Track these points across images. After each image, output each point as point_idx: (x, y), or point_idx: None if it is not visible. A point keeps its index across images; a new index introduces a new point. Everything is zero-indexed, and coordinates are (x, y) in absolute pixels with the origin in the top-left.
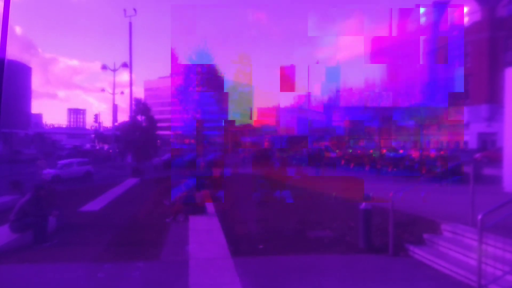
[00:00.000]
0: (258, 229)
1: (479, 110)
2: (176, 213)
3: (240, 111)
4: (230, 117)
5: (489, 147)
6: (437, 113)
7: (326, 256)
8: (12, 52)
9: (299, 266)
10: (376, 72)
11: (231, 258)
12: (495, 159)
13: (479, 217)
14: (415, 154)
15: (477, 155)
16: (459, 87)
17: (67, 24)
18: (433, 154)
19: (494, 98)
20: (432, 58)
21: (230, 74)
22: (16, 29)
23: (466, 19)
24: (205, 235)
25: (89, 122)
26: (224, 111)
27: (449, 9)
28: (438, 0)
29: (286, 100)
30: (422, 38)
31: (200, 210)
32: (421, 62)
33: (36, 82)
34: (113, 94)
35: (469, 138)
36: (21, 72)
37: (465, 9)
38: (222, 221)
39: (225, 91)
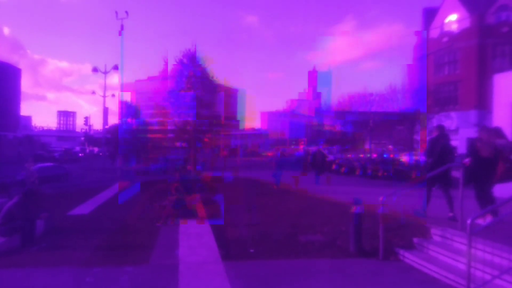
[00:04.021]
0: (249, 232)
1: (468, 115)
2: (166, 217)
3: (232, 114)
4: (222, 120)
5: None
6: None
7: (317, 260)
8: (0, 53)
9: (290, 270)
10: (367, 77)
11: (221, 262)
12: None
13: (468, 221)
14: (405, 158)
15: (466, 160)
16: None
17: (56, 25)
18: (422, 158)
19: (482, 104)
20: (422, 64)
21: (222, 77)
22: (4, 29)
23: (455, 26)
24: (195, 239)
25: (79, 124)
26: (216, 114)
27: (438, 16)
28: (428, 7)
29: (279, 104)
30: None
31: (190, 213)
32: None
33: (25, 83)
34: (104, 96)
35: (459, 143)
36: (10, 74)
37: (455, 16)
38: (212, 224)
39: (216, 94)
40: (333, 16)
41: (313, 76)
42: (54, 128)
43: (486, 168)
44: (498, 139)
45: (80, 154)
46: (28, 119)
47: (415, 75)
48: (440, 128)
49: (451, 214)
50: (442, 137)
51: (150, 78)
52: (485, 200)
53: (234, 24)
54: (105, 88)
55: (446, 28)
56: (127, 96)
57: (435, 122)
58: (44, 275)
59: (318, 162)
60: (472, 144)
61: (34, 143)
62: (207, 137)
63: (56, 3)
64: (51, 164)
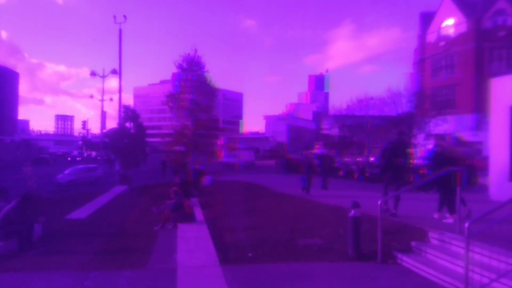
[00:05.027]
0: (247, 236)
1: (466, 119)
2: (164, 221)
3: (231, 118)
4: (221, 125)
5: (475, 155)
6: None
7: (315, 264)
8: None
9: (288, 274)
10: (365, 81)
11: (219, 266)
12: (481, 167)
13: (466, 225)
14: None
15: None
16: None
17: (54, 28)
18: (420, 162)
19: (480, 107)
20: (420, 68)
21: (221, 81)
22: (1, 33)
23: (452, 30)
24: (193, 243)
25: (77, 128)
26: (214, 118)
27: (435, 20)
28: (425, 11)
29: (277, 108)
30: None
31: (188, 217)
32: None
33: (23, 87)
34: (102, 100)
35: None
36: (8, 78)
37: (452, 21)
38: (211, 228)
39: (215, 98)
40: (331, 20)
41: (312, 79)
42: (52, 132)
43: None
44: (462, 147)
45: (68, 159)
46: (25, 123)
47: (413, 79)
48: (400, 134)
49: (393, 211)
50: (401, 141)
51: (150, 85)
52: (452, 202)
53: (232, 28)
54: (103, 92)
55: (443, 32)
56: (127, 100)
57: (432, 126)
58: (42, 279)
59: (327, 166)
60: (434, 152)
61: (32, 147)
62: (205, 142)
63: (54, 7)
64: None
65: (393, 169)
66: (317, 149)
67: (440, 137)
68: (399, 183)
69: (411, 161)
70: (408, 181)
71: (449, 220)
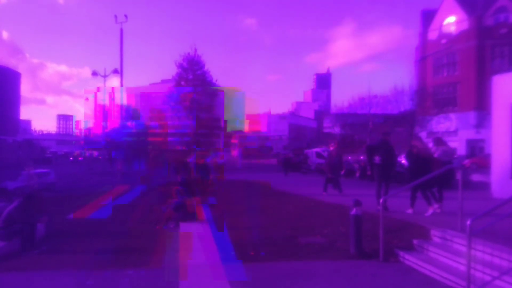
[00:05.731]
0: (249, 235)
1: (468, 117)
2: (167, 220)
3: (232, 117)
4: (222, 123)
5: (477, 153)
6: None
7: (317, 262)
8: None
9: (290, 273)
10: (367, 79)
11: (222, 265)
12: (483, 165)
13: (468, 222)
14: (404, 160)
15: (466, 161)
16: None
17: (55, 28)
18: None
19: (482, 105)
20: (421, 66)
21: (221, 80)
22: (3, 33)
23: (454, 28)
24: (196, 242)
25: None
26: (215, 117)
27: (437, 18)
28: (426, 9)
29: (278, 106)
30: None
31: (191, 216)
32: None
33: (24, 87)
34: (95, 100)
35: (458, 144)
36: (10, 78)
37: (453, 18)
38: (213, 227)
39: (216, 97)
40: (332, 18)
41: (317, 78)
42: (53, 132)
43: (424, 169)
44: (440, 146)
45: (70, 158)
46: (27, 123)
47: (414, 76)
48: (384, 133)
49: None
50: (384, 141)
51: (152, 84)
52: (425, 195)
53: (233, 27)
54: (98, 91)
55: (444, 30)
56: (126, 100)
57: (434, 123)
58: (44, 278)
59: (335, 163)
60: (409, 152)
61: (34, 147)
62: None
63: (55, 6)
64: None
65: (374, 168)
66: (331, 148)
67: (417, 138)
68: (384, 181)
69: (391, 160)
70: (393, 178)
71: (429, 212)
